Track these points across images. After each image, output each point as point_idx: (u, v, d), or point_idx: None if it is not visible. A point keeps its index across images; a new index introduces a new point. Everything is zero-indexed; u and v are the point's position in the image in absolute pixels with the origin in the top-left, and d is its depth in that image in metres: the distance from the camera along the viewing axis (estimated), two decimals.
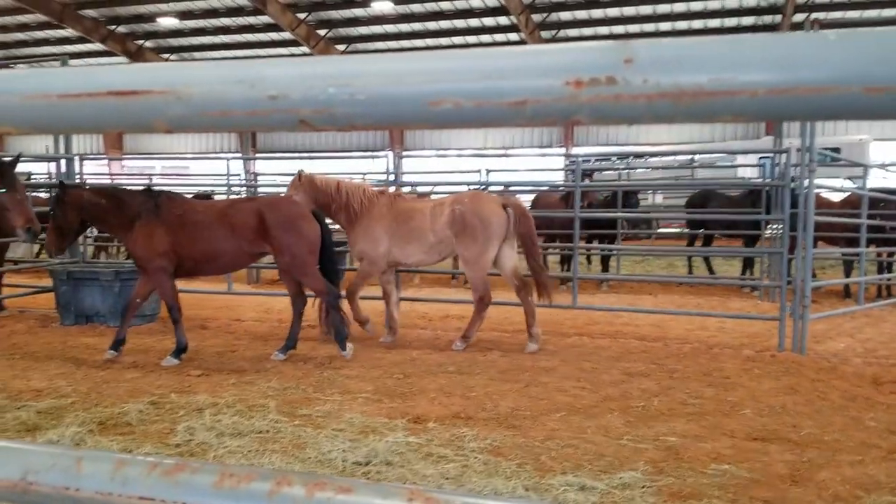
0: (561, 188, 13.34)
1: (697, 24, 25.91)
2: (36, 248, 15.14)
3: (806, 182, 7.56)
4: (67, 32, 28.17)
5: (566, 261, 12.96)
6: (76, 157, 10.61)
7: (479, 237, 7.49)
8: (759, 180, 15.26)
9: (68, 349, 7.70)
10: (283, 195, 7.93)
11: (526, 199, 17.12)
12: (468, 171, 13.61)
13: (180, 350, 7.12)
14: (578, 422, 5.29)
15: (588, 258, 14.98)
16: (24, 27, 28.39)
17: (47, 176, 15.25)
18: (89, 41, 28.51)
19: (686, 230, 15.13)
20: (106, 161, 32.80)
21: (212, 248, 7.07)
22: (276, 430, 5.07)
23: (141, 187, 8.06)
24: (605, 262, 13.02)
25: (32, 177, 16.03)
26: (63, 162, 10.46)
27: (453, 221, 7.57)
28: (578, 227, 9.08)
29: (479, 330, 7.89)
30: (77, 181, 10.46)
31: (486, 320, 9.29)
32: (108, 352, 7.13)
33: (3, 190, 6.00)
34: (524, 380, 6.44)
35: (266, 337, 8.38)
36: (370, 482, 0.77)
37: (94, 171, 25.83)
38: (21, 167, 9.70)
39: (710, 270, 13.09)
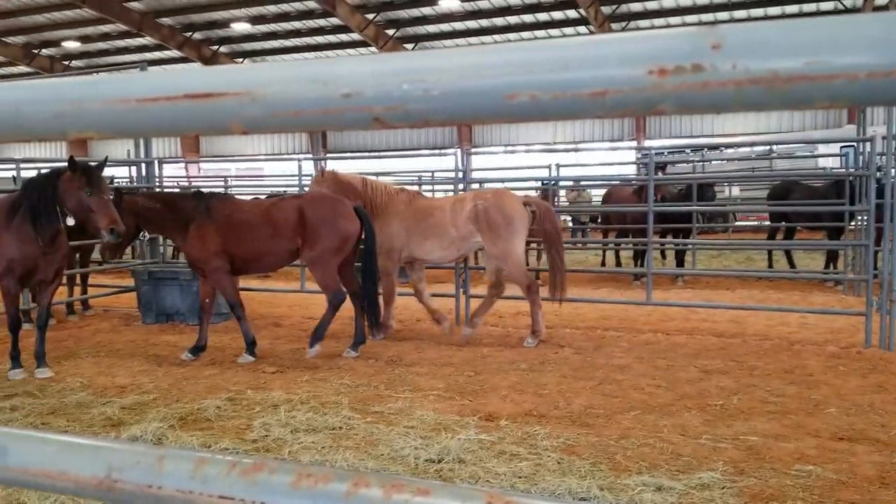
0: (634, 182, 13.11)
1: (774, 10, 25.07)
2: None
3: (893, 171, 7.23)
4: (146, 40, 29.14)
5: (640, 256, 12.72)
6: (156, 161, 10.96)
7: (503, 232, 7.59)
8: (842, 170, 14.67)
9: (150, 347, 7.97)
10: (321, 192, 8.03)
11: (597, 194, 16.95)
12: (537, 167, 13.49)
13: (250, 345, 7.28)
14: (654, 420, 5.18)
15: (662, 253, 14.69)
16: (105, 36, 29.50)
17: (128, 180, 15.80)
18: (167, 48, 29.44)
19: (765, 223, 14.66)
20: (183, 164, 33.87)
21: (257, 247, 7.20)
22: (349, 426, 5.13)
23: (192, 190, 8.30)
24: (679, 256, 12.72)
25: (115, 181, 16.65)
26: (143, 165, 10.82)
27: (476, 217, 7.66)
28: (652, 221, 8.89)
29: (546, 325, 7.82)
30: (157, 184, 10.81)
31: (558, 317, 9.24)
32: (185, 354, 7.33)
33: (89, 192, 6.20)
34: (597, 377, 6.35)
35: (338, 335, 8.48)
36: (448, 484, 0.76)
37: (173, 174, 26.70)
38: (105, 172, 10.08)
39: (792, 264, 12.65)
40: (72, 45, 30.43)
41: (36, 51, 31.12)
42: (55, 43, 30.36)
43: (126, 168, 15.84)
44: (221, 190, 17.42)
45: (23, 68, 31.42)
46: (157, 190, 10.15)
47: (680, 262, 12.64)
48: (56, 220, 6.36)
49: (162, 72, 0.83)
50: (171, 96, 0.79)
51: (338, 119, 0.75)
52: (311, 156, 31.48)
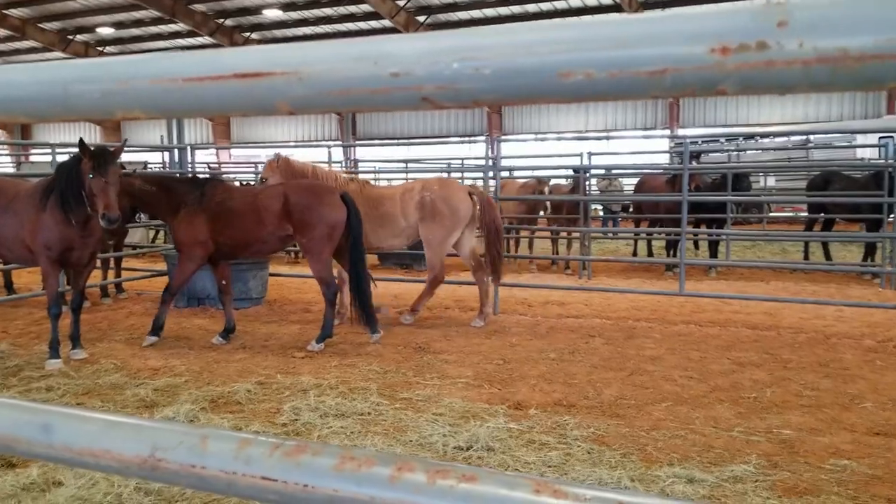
0: (667, 171, 12.97)
1: None
2: (152, 233, 15.94)
3: None
4: (179, 27, 29.36)
5: (672, 246, 12.59)
6: (188, 147, 11.06)
7: (446, 223, 7.83)
8: (882, 161, 14.37)
9: (182, 330, 8.06)
10: (308, 180, 8.07)
11: (629, 183, 16.79)
12: (568, 155, 13.38)
13: (158, 328, 7.34)
14: (686, 412, 5.13)
15: (695, 243, 14.52)
16: (138, 23, 29.76)
17: (161, 165, 15.98)
18: (199, 35, 29.64)
19: (801, 214, 14.42)
20: (215, 150, 34.17)
21: (244, 233, 7.18)
22: (378, 412, 5.15)
23: (189, 175, 8.35)
24: (713, 247, 12.57)
25: (148, 166, 16.85)
26: (176, 151, 10.93)
27: (422, 206, 7.86)
28: (686, 211, 8.78)
29: (577, 315, 7.78)
30: (189, 169, 10.91)
31: (588, 307, 9.19)
32: (217, 338, 7.42)
33: (92, 175, 6.24)
34: (628, 368, 6.30)
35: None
36: (494, 471, 0.75)
37: (204, 160, 26.95)
38: (138, 157, 10.22)
39: (828, 256, 12.44)
40: (106, 31, 30.75)
41: (71, 37, 31.49)
42: (90, 29, 30.69)
43: (159, 153, 16.00)
44: (252, 176, 17.56)
45: (58, 54, 31.82)
46: (156, 173, 10.17)
47: (713, 253, 12.49)
48: (84, 204, 6.40)
49: (209, 51, 0.82)
50: (218, 76, 0.79)
51: (386, 99, 0.74)
52: (340, 142, 31.60)
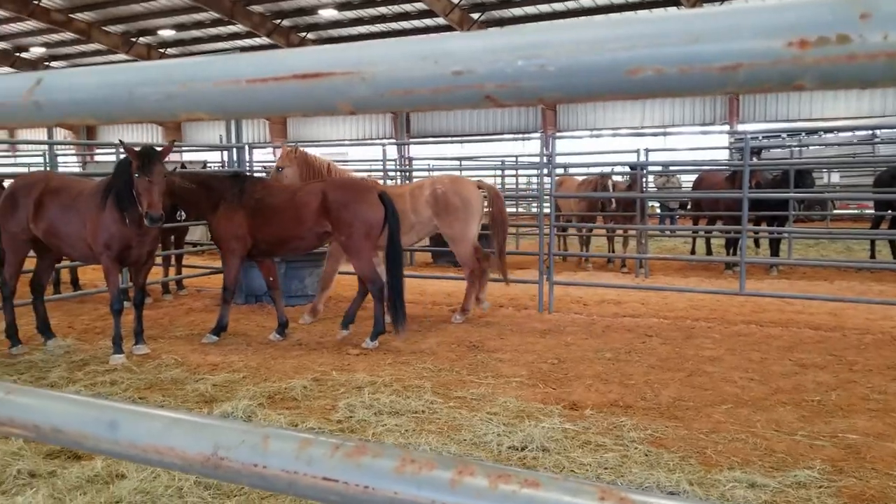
0: (727, 167, 12.69)
1: None
2: None
3: None
4: (237, 28, 29.89)
5: (732, 244, 12.31)
6: (246, 146, 11.25)
7: (461, 215, 7.96)
8: None
9: (240, 326, 8.21)
10: (348, 177, 8.13)
11: (687, 180, 16.48)
12: (625, 151, 13.19)
13: (221, 328, 7.46)
14: (747, 415, 5.01)
15: (756, 241, 14.18)
16: (198, 24, 30.41)
17: (220, 164, 16.29)
18: (257, 35, 30.13)
19: (867, 211, 13.95)
20: (271, 149, 34.72)
21: (282, 230, 7.23)
22: (432, 410, 5.16)
23: (229, 172, 8.46)
24: (774, 245, 12.25)
25: (207, 165, 17.20)
26: (234, 150, 11.13)
27: (435, 202, 8.01)
28: (747, 208, 8.58)
29: (633, 314, 7.68)
30: (246, 168, 11.10)
31: (645, 306, 9.06)
32: (273, 334, 7.53)
33: (138, 175, 6.35)
34: (687, 369, 6.19)
35: (420, 318, 8.55)
36: (557, 477, 0.73)
37: (261, 159, 27.37)
38: (197, 156, 10.44)
39: None
40: (167, 34, 31.50)
41: (134, 39, 32.35)
42: (151, 31, 31.49)
43: (218, 153, 16.32)
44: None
45: (122, 56, 32.72)
46: (196, 171, 10.28)
47: (775, 251, 12.18)
48: (136, 203, 6.49)
49: (271, 52, 0.82)
50: (279, 77, 0.79)
51: (448, 98, 0.73)
52: (394, 140, 31.78)
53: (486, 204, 8.37)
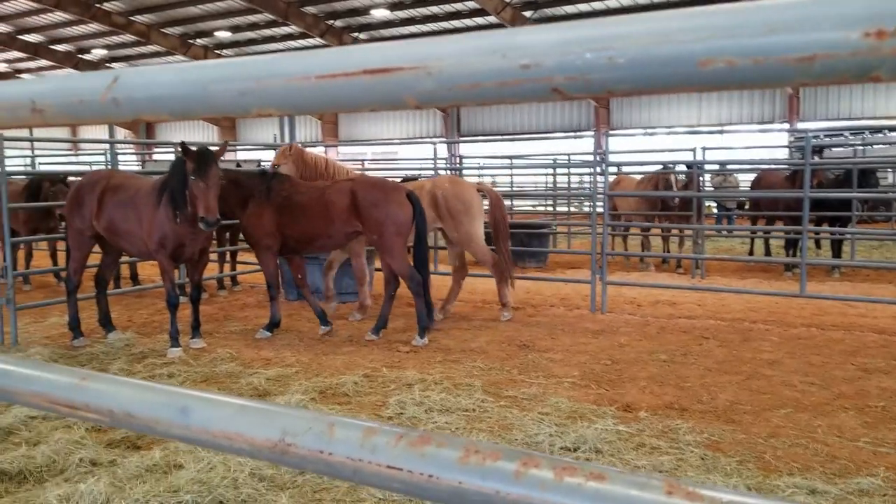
0: (787, 166, 12.39)
1: None
2: None
3: None
4: (291, 29, 30.31)
5: (792, 245, 12.02)
6: (299, 145, 11.39)
7: (464, 217, 7.88)
8: None
9: (292, 322, 8.33)
10: (377, 177, 8.17)
11: (745, 179, 16.14)
12: (680, 150, 12.98)
13: (273, 324, 7.56)
14: (807, 420, 4.89)
15: (817, 242, 13.82)
16: (253, 26, 30.93)
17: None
18: (310, 36, 30.51)
19: None
20: (323, 148, 35.14)
21: (311, 228, 7.27)
22: (483, 409, 5.15)
23: (258, 169, 8.56)
24: (836, 246, 11.92)
25: (261, 164, 17.45)
26: None
27: (436, 205, 7.97)
28: (808, 208, 8.37)
29: (690, 316, 7.54)
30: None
31: (701, 307, 8.91)
32: (321, 328, 7.66)
33: (193, 178, 6.38)
34: (744, 372, 6.07)
35: (470, 317, 8.56)
36: (623, 471, 0.73)
37: None
38: (251, 155, 10.64)
39: None
40: (223, 35, 32.11)
41: (191, 41, 33.07)
42: (208, 33, 32.14)
43: (272, 152, 16.58)
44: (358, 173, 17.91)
45: (179, 57, 33.47)
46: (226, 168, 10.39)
47: (836, 253, 11.85)
48: (190, 204, 6.55)
49: (341, 49, 0.84)
50: (349, 72, 0.80)
51: (515, 91, 0.73)
52: (444, 139, 31.83)
53: (485, 206, 8.38)
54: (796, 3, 0.62)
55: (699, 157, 11.72)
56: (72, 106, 1.03)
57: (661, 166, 12.36)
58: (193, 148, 6.60)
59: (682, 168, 12.31)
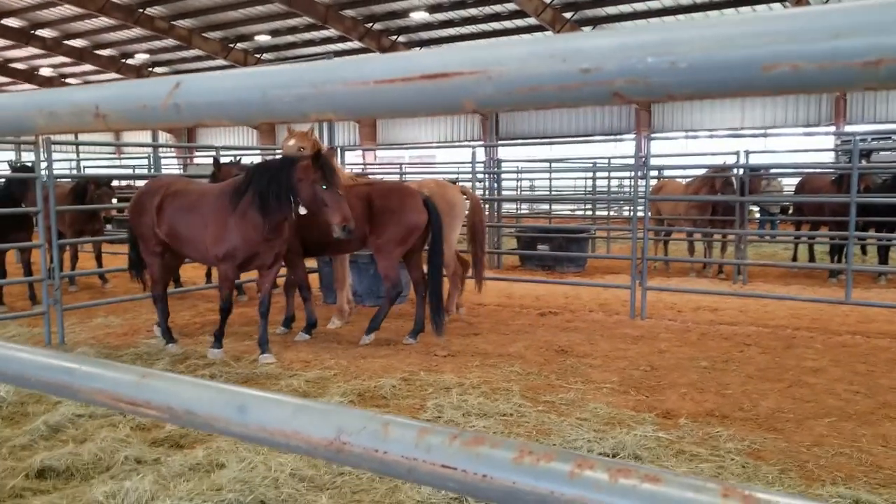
0: (833, 170, 12.14)
1: None
2: None
3: None
4: (330, 32, 30.59)
5: (837, 251, 11.79)
6: (338, 148, 11.50)
7: (446, 218, 7.88)
8: None
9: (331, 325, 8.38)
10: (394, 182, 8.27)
11: (789, 184, 15.86)
12: (723, 153, 12.79)
13: (311, 326, 7.65)
14: (851, 429, 4.80)
15: (863, 248, 13.53)
16: (293, 30, 31.29)
17: None
18: (349, 39, 30.76)
19: None
20: (361, 151, 35.36)
21: (328, 233, 7.06)
22: (520, 413, 5.15)
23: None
24: (883, 253, 11.66)
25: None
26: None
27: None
28: (854, 213, 8.21)
29: (731, 322, 7.44)
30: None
31: (743, 314, 8.78)
32: (332, 322, 8.00)
33: (325, 186, 6.25)
34: (787, 379, 5.97)
35: (508, 321, 8.55)
36: (679, 474, 0.73)
37: (352, 162, 27.94)
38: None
39: None
40: (263, 39, 32.55)
41: (231, 45, 33.57)
42: (248, 37, 32.61)
43: None
44: (396, 177, 18.02)
45: (220, 61, 33.99)
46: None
47: (883, 259, 11.60)
48: (286, 209, 6.41)
49: (400, 54, 0.86)
50: (407, 77, 0.82)
51: (574, 94, 0.74)
52: (483, 142, 31.82)
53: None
54: (862, 7, 0.62)
55: (742, 161, 11.55)
56: (134, 111, 1.06)
57: (706, 169, 12.16)
58: (305, 155, 6.55)
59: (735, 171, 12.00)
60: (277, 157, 8.01)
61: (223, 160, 10.04)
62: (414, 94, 0.82)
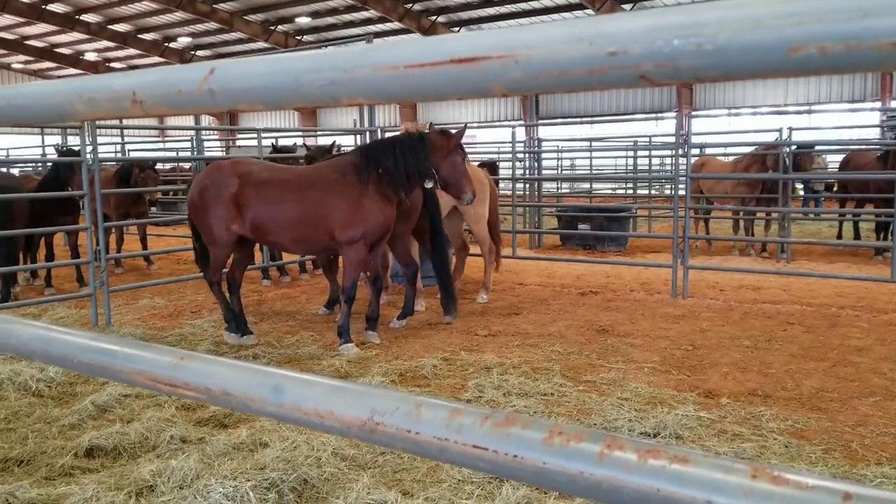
0: (879, 146, 11.82)
1: None
2: None
3: None
4: (370, 13, 30.55)
5: (883, 228, 11.51)
6: (378, 129, 11.52)
7: (480, 196, 7.89)
8: None
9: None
10: None
11: (833, 160, 15.51)
12: (766, 130, 12.53)
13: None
14: None
15: None
16: (333, 11, 31.32)
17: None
18: (388, 20, 30.70)
19: None
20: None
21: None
22: (561, 393, 5.15)
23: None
24: None
25: (342, 148, 17.73)
26: (367, 134, 11.42)
27: None
28: None
29: (774, 301, 7.31)
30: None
31: (786, 292, 8.65)
32: (320, 309, 8.00)
33: (462, 159, 6.66)
34: (831, 358, 5.87)
35: (548, 300, 8.53)
36: (708, 454, 0.74)
37: None
38: (330, 140, 10.83)
39: None
40: (303, 21, 32.64)
41: (272, 27, 33.74)
42: (289, 19, 32.72)
43: (352, 136, 16.82)
44: None
45: (261, 44, 34.20)
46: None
47: None
48: (416, 183, 6.46)
49: (430, 38, 0.86)
50: (436, 62, 0.82)
51: (602, 78, 0.74)
52: (523, 122, 31.63)
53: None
54: None
55: (786, 138, 11.30)
56: (170, 97, 1.09)
57: (755, 147, 11.89)
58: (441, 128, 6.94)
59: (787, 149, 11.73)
60: (389, 135, 8.27)
61: (266, 142, 10.14)
62: (444, 78, 0.83)
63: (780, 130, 11.48)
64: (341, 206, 6.27)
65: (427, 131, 7.18)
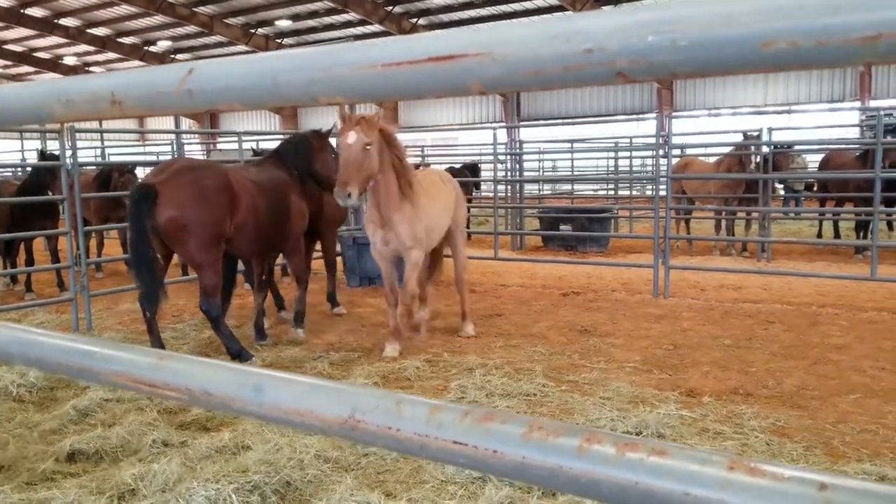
0: (858, 146, 11.95)
1: None
2: None
3: None
4: (350, 16, 30.47)
5: (862, 227, 11.63)
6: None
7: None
8: None
9: (354, 308, 8.45)
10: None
11: (813, 160, 15.67)
12: (746, 131, 12.63)
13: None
14: (877, 406, 4.77)
15: (889, 224, 13.35)
16: (313, 14, 31.20)
17: None
18: (369, 23, 30.63)
19: None
20: None
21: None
22: (544, 393, 5.17)
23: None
24: None
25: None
26: None
27: None
28: (879, 189, 8.09)
29: (755, 300, 7.36)
30: None
31: (767, 291, 8.72)
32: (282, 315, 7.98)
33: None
34: (811, 357, 5.93)
35: (530, 301, 8.55)
36: (685, 447, 0.75)
37: None
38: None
39: None
40: (284, 24, 32.50)
41: (252, 31, 33.57)
42: (269, 22, 32.57)
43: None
44: (418, 160, 18.00)
45: (242, 47, 34.02)
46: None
47: None
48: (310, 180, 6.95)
49: (406, 37, 0.86)
50: (414, 60, 0.82)
51: (578, 75, 0.74)
52: (504, 124, 31.64)
53: None
54: None
55: (766, 138, 11.39)
56: (149, 98, 1.08)
57: (732, 147, 11.98)
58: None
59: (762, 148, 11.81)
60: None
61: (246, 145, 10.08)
62: (421, 76, 0.83)
63: (759, 130, 11.57)
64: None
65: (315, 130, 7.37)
